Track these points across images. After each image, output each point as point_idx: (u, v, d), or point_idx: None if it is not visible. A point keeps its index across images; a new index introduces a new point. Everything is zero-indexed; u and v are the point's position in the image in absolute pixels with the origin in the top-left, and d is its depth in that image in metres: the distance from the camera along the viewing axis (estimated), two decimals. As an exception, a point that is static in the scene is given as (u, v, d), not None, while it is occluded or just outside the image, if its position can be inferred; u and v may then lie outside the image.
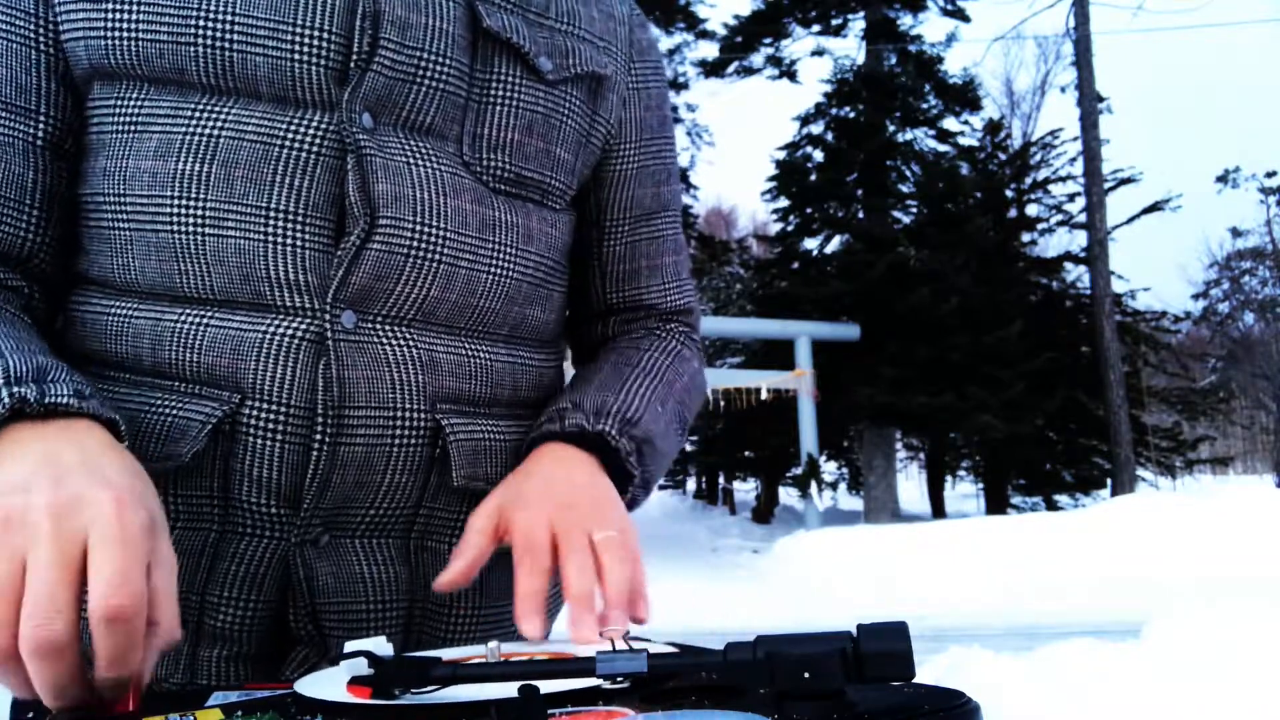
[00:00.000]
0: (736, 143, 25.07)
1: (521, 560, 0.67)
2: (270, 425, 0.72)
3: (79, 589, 0.53)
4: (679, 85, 18.78)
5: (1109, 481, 16.62)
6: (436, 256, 0.75)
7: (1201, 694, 3.56)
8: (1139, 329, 17.91)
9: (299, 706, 0.53)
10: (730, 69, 18.63)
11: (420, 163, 0.76)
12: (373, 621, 0.76)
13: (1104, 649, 4.19)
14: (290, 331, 0.72)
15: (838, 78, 17.95)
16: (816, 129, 18.11)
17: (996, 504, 17.65)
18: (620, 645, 0.54)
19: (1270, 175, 23.63)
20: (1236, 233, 24.74)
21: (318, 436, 0.72)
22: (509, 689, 0.49)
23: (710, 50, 18.66)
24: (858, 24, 18.13)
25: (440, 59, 0.77)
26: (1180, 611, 4.22)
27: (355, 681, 0.53)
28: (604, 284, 0.93)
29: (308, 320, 0.72)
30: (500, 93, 0.80)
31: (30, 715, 0.72)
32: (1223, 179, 23.60)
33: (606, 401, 0.80)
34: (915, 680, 0.48)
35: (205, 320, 0.72)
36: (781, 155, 18.22)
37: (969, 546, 10.51)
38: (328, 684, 0.56)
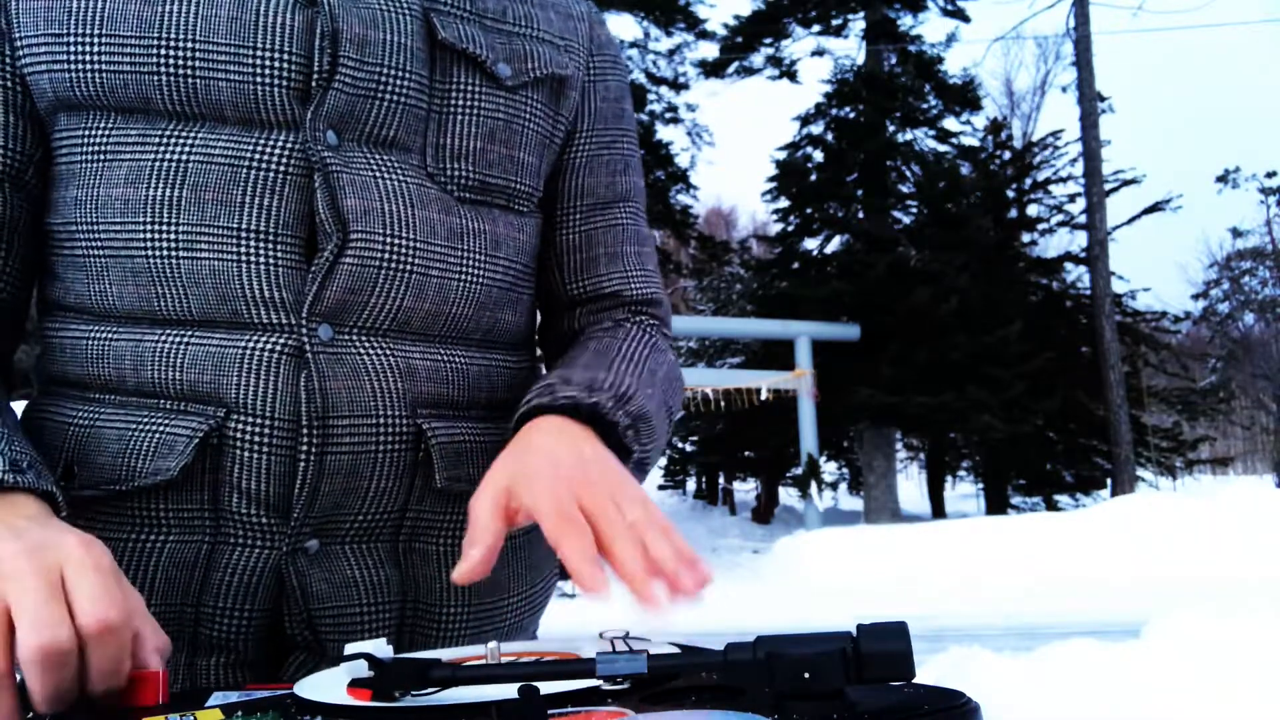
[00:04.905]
0: (736, 143, 25.08)
1: (563, 532, 0.63)
2: (256, 438, 0.73)
3: (68, 610, 0.55)
4: (679, 85, 18.78)
5: (1109, 481, 16.62)
6: (408, 267, 0.77)
7: (1201, 694, 3.56)
8: (1139, 329, 17.91)
9: (299, 707, 0.53)
10: (730, 69, 18.63)
11: (386, 176, 0.77)
12: (367, 624, 0.77)
13: (1104, 649, 4.19)
14: (270, 346, 0.73)
15: (838, 78, 17.96)
16: (816, 129, 18.12)
17: (996, 504, 17.65)
18: (620, 646, 0.54)
19: (1270, 175, 23.63)
20: (1236, 233, 24.75)
21: (304, 447, 0.73)
22: (509, 690, 0.50)
23: (710, 50, 18.68)
24: (858, 24, 18.14)
25: (400, 73, 0.78)
26: (1180, 611, 4.22)
27: (355, 684, 0.53)
28: (563, 276, 0.92)
29: (286, 335, 0.74)
30: (460, 102, 0.81)
31: (31, 715, 0.72)
32: (1223, 179, 23.60)
33: (598, 378, 0.77)
34: (915, 680, 0.48)
35: (185, 339, 0.74)
36: (781, 155, 18.23)
37: (969, 546, 10.51)
38: (328, 686, 0.56)
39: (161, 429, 0.73)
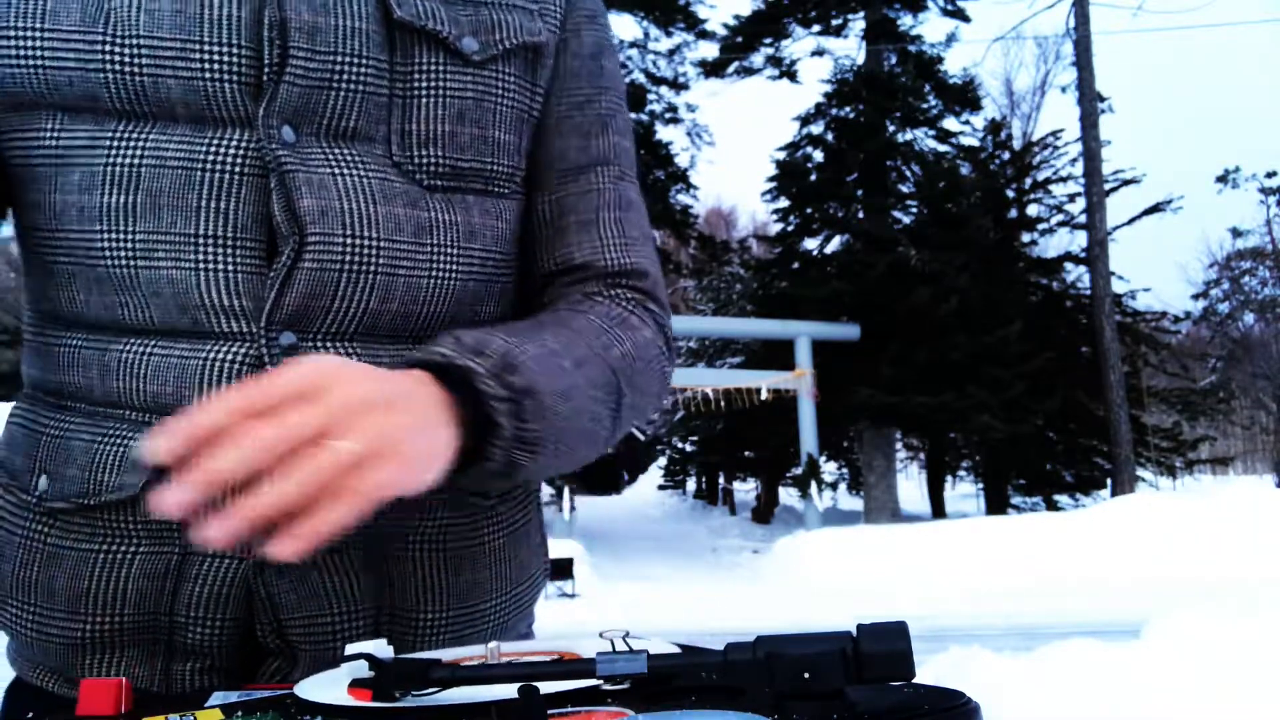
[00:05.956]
0: (736, 143, 25.07)
1: (242, 391, 0.53)
2: None
3: None
4: (679, 85, 18.77)
5: (1109, 481, 16.63)
6: (372, 268, 0.73)
7: (1201, 694, 3.56)
8: (1139, 329, 17.92)
9: (299, 707, 0.53)
10: (730, 69, 18.64)
11: (346, 172, 0.74)
12: (339, 631, 0.75)
13: (1104, 649, 4.20)
14: (229, 357, 0.71)
15: (838, 78, 17.97)
16: (816, 129, 18.13)
17: (996, 504, 17.65)
18: (620, 646, 0.54)
19: (1270, 175, 23.61)
20: (1236, 233, 24.74)
21: None
22: (509, 690, 0.50)
23: (710, 50, 18.69)
24: (858, 24, 18.15)
25: (355, 59, 0.74)
26: (1180, 611, 4.22)
27: (356, 684, 0.53)
28: (537, 250, 0.85)
29: (246, 344, 0.71)
30: (424, 84, 0.77)
31: (30, 716, 0.72)
32: (1223, 179, 23.58)
33: (491, 342, 0.69)
34: (915, 680, 0.48)
35: (149, 349, 0.72)
36: (781, 155, 18.24)
37: (969, 546, 10.51)
38: (329, 686, 0.56)
39: (127, 442, 0.72)
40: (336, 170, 0.73)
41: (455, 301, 0.78)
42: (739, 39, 18.41)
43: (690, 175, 18.91)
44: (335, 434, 0.53)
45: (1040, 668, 4.03)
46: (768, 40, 18.45)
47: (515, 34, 0.80)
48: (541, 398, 0.69)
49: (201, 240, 0.71)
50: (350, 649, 0.55)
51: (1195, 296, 24.42)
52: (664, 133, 18.70)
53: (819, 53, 18.67)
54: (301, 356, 0.71)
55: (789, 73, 18.67)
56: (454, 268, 0.77)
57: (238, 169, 0.71)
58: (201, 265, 0.71)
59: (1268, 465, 29.10)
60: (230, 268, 0.71)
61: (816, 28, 18.39)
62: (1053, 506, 17.15)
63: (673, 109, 18.69)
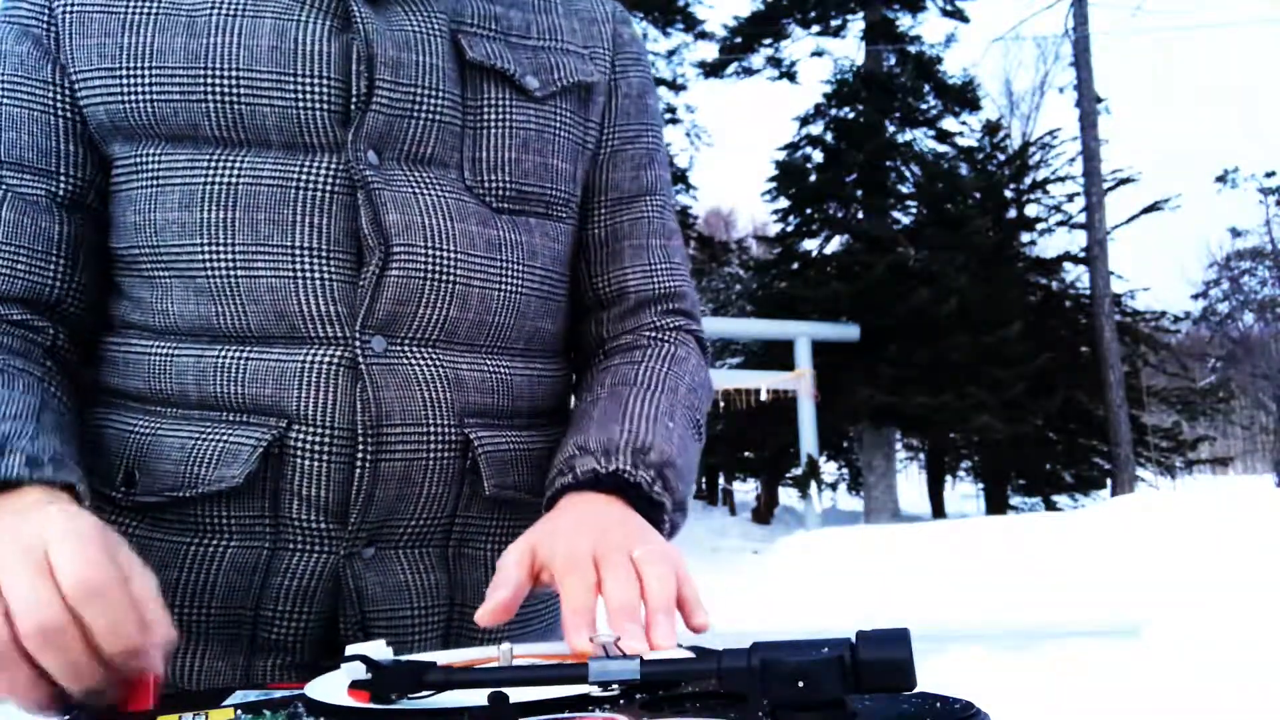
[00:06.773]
0: (736, 143, 25.05)
1: (566, 577, 0.65)
2: (316, 447, 0.76)
3: (56, 585, 0.56)
4: (678, 86, 18.76)
5: (1109, 481, 16.61)
6: (450, 278, 0.80)
7: (1201, 693, 3.56)
8: (1139, 329, 17.91)
9: (306, 708, 0.54)
10: (730, 70, 18.63)
11: (426, 192, 0.80)
12: (417, 626, 0.81)
13: (1104, 649, 4.20)
14: (326, 359, 0.77)
15: (837, 78, 17.95)
16: (816, 129, 18.11)
17: (996, 504, 17.64)
18: (614, 650, 0.54)
19: (1270, 175, 23.60)
20: (1236, 233, 24.73)
21: (360, 454, 0.76)
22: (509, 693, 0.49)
23: (710, 51, 18.67)
24: (857, 25, 18.13)
25: (433, 92, 0.81)
26: (1180, 611, 4.22)
27: (354, 686, 0.54)
28: (590, 271, 0.93)
29: (341, 348, 0.77)
30: (493, 116, 0.84)
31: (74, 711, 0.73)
32: (1222, 179, 23.57)
33: (613, 437, 0.78)
34: (915, 685, 0.47)
35: (245, 355, 0.77)
36: (781, 155, 18.22)
37: (969, 546, 10.50)
38: (336, 687, 0.57)
39: (225, 438, 0.77)
40: (417, 190, 0.80)
41: (519, 314, 0.85)
42: (738, 40, 18.39)
43: (690, 176, 18.89)
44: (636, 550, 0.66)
45: (1040, 668, 4.03)
46: (767, 41, 18.43)
47: (570, 74, 0.89)
48: (675, 463, 0.79)
49: (298, 251, 0.77)
50: (350, 650, 0.55)
51: (1195, 296, 24.41)
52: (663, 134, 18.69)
53: (818, 53, 18.64)
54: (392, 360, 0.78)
55: (788, 73, 18.65)
56: (519, 283, 0.85)
57: (328, 188, 0.77)
58: (299, 274, 0.77)
59: (1268, 465, 29.10)
60: (326, 276, 0.77)
61: (815, 28, 18.37)
62: (1052, 507, 17.12)
63: (672, 110, 18.68)
